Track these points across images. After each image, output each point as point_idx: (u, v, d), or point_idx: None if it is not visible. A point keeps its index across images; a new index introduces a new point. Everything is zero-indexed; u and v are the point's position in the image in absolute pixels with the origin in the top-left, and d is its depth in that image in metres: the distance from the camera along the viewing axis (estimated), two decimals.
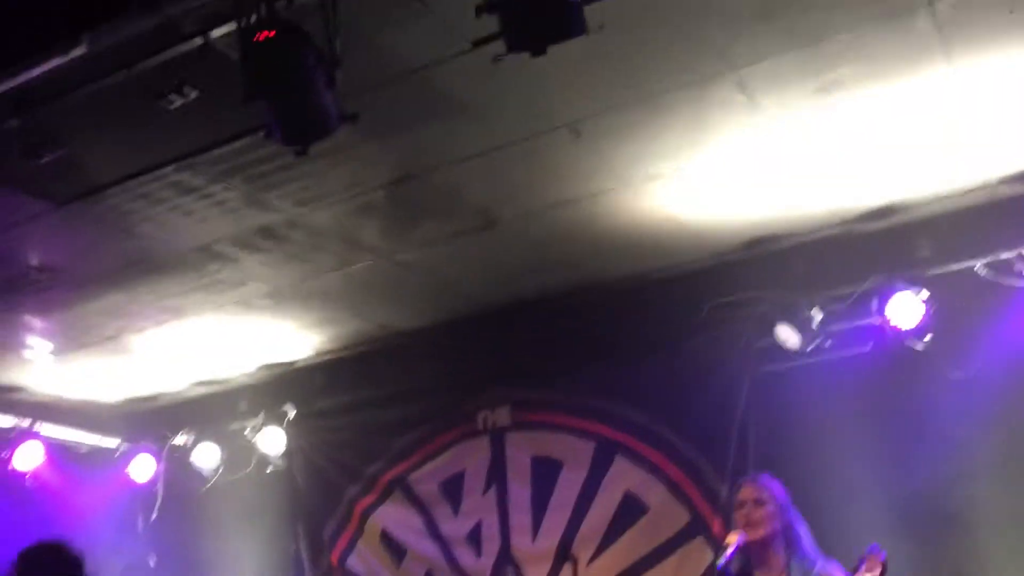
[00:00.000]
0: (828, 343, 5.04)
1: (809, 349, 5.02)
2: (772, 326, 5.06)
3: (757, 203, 4.86)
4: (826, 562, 3.79)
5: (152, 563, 6.92)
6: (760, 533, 3.75)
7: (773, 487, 3.91)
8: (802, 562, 3.76)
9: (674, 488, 5.47)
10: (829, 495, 5.00)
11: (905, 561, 4.62)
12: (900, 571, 4.46)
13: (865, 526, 4.82)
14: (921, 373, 4.91)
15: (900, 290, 4.80)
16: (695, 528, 5.30)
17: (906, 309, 4.78)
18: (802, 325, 4.98)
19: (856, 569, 3.40)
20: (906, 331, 4.81)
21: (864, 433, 4.94)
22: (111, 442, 7.16)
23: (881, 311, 4.84)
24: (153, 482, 6.92)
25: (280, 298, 5.57)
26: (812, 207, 4.93)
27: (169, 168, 4.04)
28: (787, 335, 5.00)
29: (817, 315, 4.97)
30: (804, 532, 3.84)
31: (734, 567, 3.68)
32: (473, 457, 6.15)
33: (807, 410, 5.13)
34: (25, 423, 6.51)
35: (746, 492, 3.88)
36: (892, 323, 4.81)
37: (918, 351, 4.84)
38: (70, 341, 5.93)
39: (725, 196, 4.76)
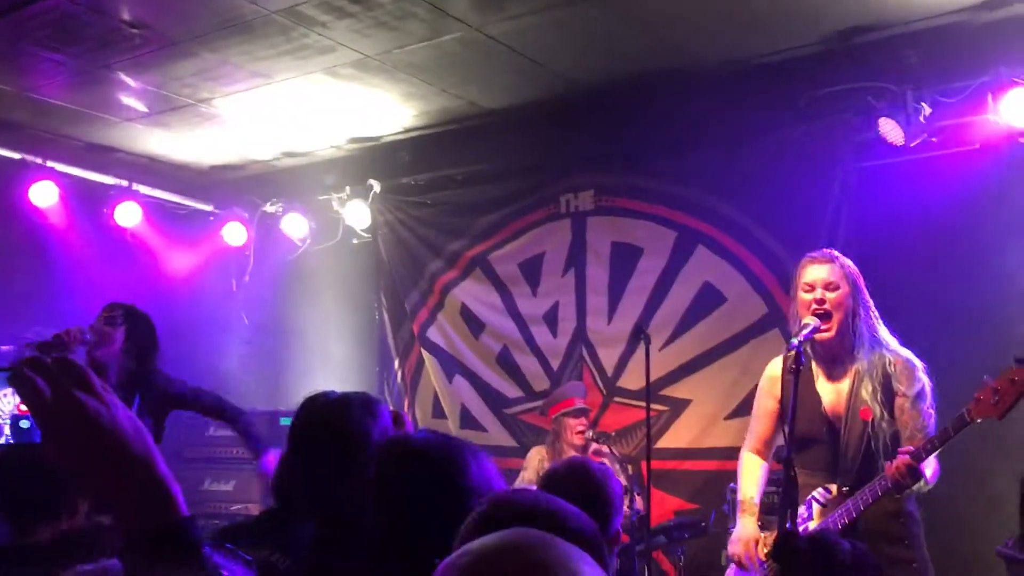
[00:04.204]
0: (934, 139, 4.81)
1: (912, 145, 4.79)
2: (875, 119, 4.82)
3: None
4: (899, 353, 3.48)
5: (246, 322, 7.30)
6: (831, 324, 3.43)
7: (846, 266, 3.52)
8: (872, 347, 3.45)
9: (754, 280, 5.47)
10: (918, 298, 4.92)
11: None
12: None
13: (957, 332, 4.76)
14: None
15: (1017, 85, 4.49)
16: (772, 320, 5.31)
17: (1021, 106, 4.50)
18: (907, 119, 4.73)
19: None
20: (1019, 130, 4.55)
21: (964, 235, 4.79)
22: (205, 205, 7.42)
23: (994, 108, 4.56)
24: (245, 246, 7.19)
25: (367, 68, 5.49)
26: None
27: None
28: (890, 129, 4.77)
29: (925, 109, 4.71)
30: (872, 316, 3.51)
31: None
32: (554, 239, 6.21)
33: (904, 209, 4.98)
34: (123, 183, 6.74)
35: (817, 272, 3.51)
36: (1005, 121, 4.55)
37: None
38: (163, 102, 6.01)
39: None
